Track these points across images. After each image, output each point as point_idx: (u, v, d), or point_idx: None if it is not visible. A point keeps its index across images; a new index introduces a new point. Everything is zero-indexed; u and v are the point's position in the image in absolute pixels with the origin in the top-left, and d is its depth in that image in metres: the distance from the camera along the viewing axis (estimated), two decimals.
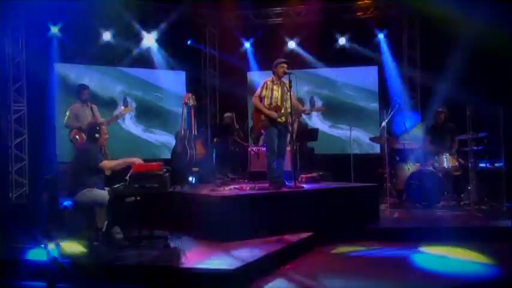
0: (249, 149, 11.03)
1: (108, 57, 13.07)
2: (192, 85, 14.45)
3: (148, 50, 13.78)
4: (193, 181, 10.23)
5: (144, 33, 13.61)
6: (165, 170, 7.56)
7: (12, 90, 11.75)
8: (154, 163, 7.43)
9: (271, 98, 8.93)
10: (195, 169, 9.59)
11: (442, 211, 10.18)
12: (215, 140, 12.75)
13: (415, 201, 10.62)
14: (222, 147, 12.49)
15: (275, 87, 8.97)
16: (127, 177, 7.04)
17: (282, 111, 8.91)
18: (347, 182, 10.66)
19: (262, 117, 8.95)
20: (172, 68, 14.09)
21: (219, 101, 15.08)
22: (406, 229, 8.78)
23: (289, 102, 8.82)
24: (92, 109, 9.59)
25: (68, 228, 7.40)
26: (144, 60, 13.73)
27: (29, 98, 11.96)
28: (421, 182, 10.55)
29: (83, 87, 9.77)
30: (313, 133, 12.08)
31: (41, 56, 12.09)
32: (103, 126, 7.62)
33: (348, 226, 8.49)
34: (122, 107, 9.67)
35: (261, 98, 8.97)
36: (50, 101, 12.14)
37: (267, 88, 8.97)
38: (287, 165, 9.45)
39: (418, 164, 10.97)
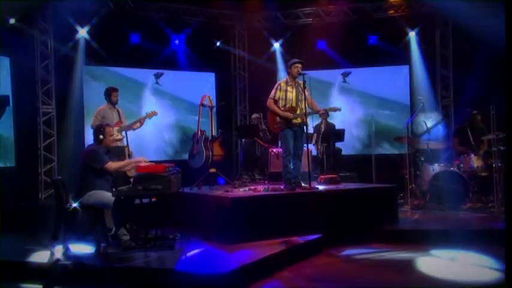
0: (270, 149, 10.96)
1: (137, 59, 13.11)
2: (221, 86, 14.51)
3: (176, 51, 13.83)
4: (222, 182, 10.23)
5: (172, 35, 13.68)
6: (174, 171, 7.57)
7: (40, 92, 11.94)
8: (159, 164, 7.41)
9: (286, 99, 8.84)
10: (212, 170, 9.52)
11: (466, 213, 9.90)
12: (243, 140, 12.76)
13: (439, 202, 10.34)
14: (249, 147, 12.50)
15: (289, 88, 8.87)
16: (131, 179, 7.05)
17: (297, 112, 8.79)
18: (368, 183, 10.47)
19: (277, 119, 8.87)
20: (201, 70, 14.10)
21: (249, 102, 15.02)
22: (423, 231, 8.58)
23: (304, 103, 8.68)
24: (118, 112, 9.65)
25: (77, 230, 7.44)
26: (173, 62, 13.80)
27: (58, 100, 12.14)
28: (446, 183, 10.28)
29: (113, 89, 9.80)
30: (340, 134, 11.95)
31: (69, 58, 12.29)
32: (108, 128, 7.62)
33: (362, 228, 8.36)
34: (147, 112, 9.65)
35: (276, 100, 8.89)
36: (78, 103, 12.31)
37: (280, 90, 8.88)
38: (305, 166, 9.30)
39: (443, 165, 10.70)
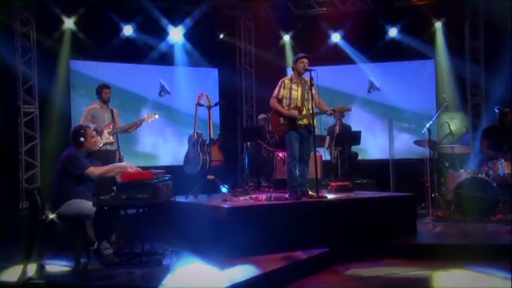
0: (276, 154, 10.92)
1: (130, 54, 13.14)
2: (225, 84, 14.51)
3: (175, 45, 13.86)
4: (225, 190, 10.22)
5: (170, 27, 13.69)
6: (164, 178, 7.55)
7: (21, 90, 11.94)
8: (146, 171, 7.38)
9: (290, 98, 8.79)
10: (210, 177, 9.50)
11: (495, 225, 9.74)
12: (248, 144, 12.73)
13: (464, 213, 10.22)
14: (255, 152, 12.46)
15: (294, 86, 8.82)
16: (114, 187, 7.03)
17: (304, 112, 8.75)
18: (384, 191, 10.41)
19: (281, 120, 8.83)
20: (202, 66, 14.11)
21: (256, 101, 14.98)
22: (444, 246, 8.45)
23: (310, 102, 8.63)
24: (112, 113, 9.66)
25: (54, 244, 7.42)
26: (171, 57, 13.81)
27: (41, 99, 12.15)
28: (473, 191, 10.15)
29: (104, 86, 9.84)
30: (356, 136, 11.89)
31: (54, 52, 12.32)
32: (89, 129, 7.59)
33: (374, 242, 8.27)
34: (146, 115, 9.68)
35: (279, 99, 8.85)
36: (63, 102, 12.33)
37: (284, 87, 8.83)
38: (312, 171, 9.23)
39: (470, 171, 10.61)
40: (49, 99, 12.19)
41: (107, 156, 8.81)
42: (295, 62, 8.92)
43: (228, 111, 13.84)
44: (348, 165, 11.73)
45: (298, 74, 8.86)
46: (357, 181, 11.50)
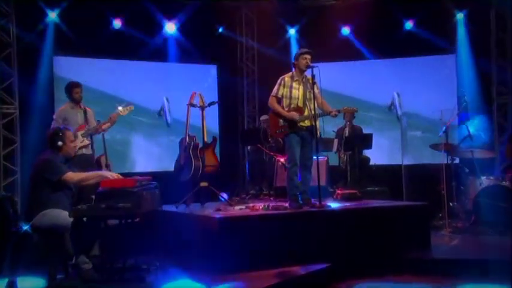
0: (277, 158, 10.89)
1: (119, 50, 13.13)
2: (225, 82, 14.52)
3: (169, 39, 13.85)
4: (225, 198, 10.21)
5: (164, 20, 13.69)
6: (149, 186, 7.52)
7: (0, 89, 11.96)
8: (128, 178, 7.36)
9: (291, 97, 8.79)
10: (203, 184, 9.47)
11: None
12: (249, 148, 12.72)
13: (486, 225, 10.15)
14: (256, 156, 12.44)
15: (295, 84, 8.81)
16: (93, 196, 7.01)
17: (305, 113, 8.72)
18: (397, 200, 10.36)
19: (281, 121, 8.82)
20: (199, 62, 14.11)
21: (258, 100, 14.96)
22: (460, 260, 8.38)
23: (313, 102, 8.61)
24: (85, 112, 9.66)
25: (28, 259, 7.41)
26: (164, 53, 13.83)
27: (22, 99, 12.15)
28: (495, 200, 10.11)
29: (74, 84, 9.83)
30: (367, 139, 11.86)
31: (36, 47, 12.32)
32: (68, 132, 7.58)
33: (382, 256, 8.25)
34: (120, 108, 9.63)
35: (279, 99, 8.84)
36: (46, 102, 12.32)
37: (284, 86, 8.82)
38: (316, 179, 9.17)
39: (492, 178, 10.55)
40: (30, 99, 12.18)
41: (83, 162, 8.77)
42: (296, 57, 8.89)
43: (227, 112, 13.84)
44: (359, 171, 11.69)
45: (300, 71, 8.84)
46: (369, 188, 11.45)
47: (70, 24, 12.58)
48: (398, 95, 14.13)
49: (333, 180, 11.77)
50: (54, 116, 9.76)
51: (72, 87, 9.76)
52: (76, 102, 9.69)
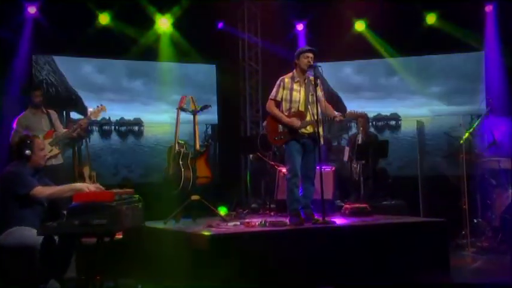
0: (278, 169, 10.86)
1: (106, 48, 13.13)
2: (225, 83, 14.53)
3: (162, 37, 13.85)
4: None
5: (157, 15, 13.68)
6: (130, 200, 7.47)
7: None
8: (106, 191, 7.30)
9: (291, 101, 8.72)
10: (194, 197, 9.41)
11: None
12: (251, 157, 12.70)
13: None
14: (258, 166, 12.41)
15: (296, 86, 8.75)
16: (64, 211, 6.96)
17: (307, 118, 8.66)
18: (410, 216, 10.29)
19: (280, 127, 8.75)
20: (196, 61, 14.12)
21: (263, 104, 14.89)
22: (482, 285, 8.34)
23: (316, 106, 8.53)
24: (49, 116, 9.62)
25: None
26: (157, 51, 13.82)
27: None
28: None
29: (33, 88, 9.86)
30: (381, 147, 11.81)
31: (12, 45, 12.26)
32: (37, 140, 7.54)
33: (391, 280, 8.14)
34: (91, 109, 9.59)
35: (278, 102, 8.79)
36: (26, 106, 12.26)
37: (284, 88, 8.76)
38: (323, 192, 9.09)
39: None
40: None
41: (53, 174, 8.67)
42: (297, 56, 8.85)
43: (228, 117, 13.81)
44: (373, 183, 11.63)
45: (301, 71, 8.79)
46: (385, 202, 11.37)
47: (51, 19, 12.49)
48: None
49: (344, 193, 11.71)
50: (13, 125, 9.61)
51: (30, 91, 9.75)
52: (37, 106, 9.65)
